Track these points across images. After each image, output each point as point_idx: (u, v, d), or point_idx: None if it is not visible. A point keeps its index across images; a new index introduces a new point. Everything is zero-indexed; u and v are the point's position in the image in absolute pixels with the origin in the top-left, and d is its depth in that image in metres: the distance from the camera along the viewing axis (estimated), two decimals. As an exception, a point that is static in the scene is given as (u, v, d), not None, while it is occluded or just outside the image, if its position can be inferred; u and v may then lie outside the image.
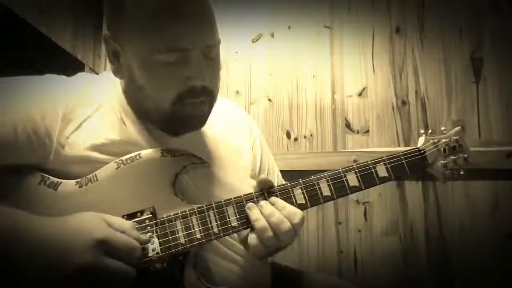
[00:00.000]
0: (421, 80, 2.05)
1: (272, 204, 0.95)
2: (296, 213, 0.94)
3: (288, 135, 2.13)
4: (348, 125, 2.09)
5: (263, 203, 0.95)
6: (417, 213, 1.97)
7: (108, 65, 2.22)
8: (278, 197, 0.97)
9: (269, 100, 2.16)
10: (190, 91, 0.94)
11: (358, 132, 2.07)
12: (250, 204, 0.95)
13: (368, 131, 2.07)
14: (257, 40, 2.20)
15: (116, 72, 0.99)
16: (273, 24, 2.20)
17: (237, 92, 2.16)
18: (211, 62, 0.97)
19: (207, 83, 0.95)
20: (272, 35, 2.20)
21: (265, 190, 0.98)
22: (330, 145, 2.09)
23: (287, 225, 0.92)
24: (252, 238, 0.94)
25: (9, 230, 0.79)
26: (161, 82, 0.93)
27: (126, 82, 0.99)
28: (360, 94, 2.10)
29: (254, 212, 0.94)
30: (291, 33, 2.18)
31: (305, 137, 2.12)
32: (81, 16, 2.11)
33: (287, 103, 2.15)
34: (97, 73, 2.13)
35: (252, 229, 0.94)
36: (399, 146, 2.03)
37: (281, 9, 2.20)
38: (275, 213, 0.93)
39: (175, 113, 0.95)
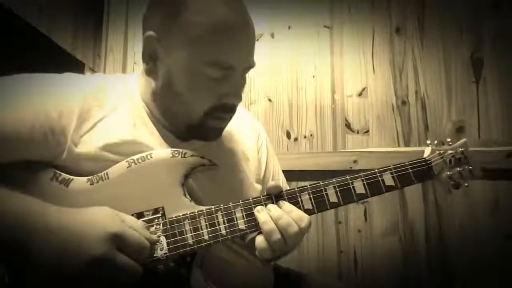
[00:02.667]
0: (421, 80, 2.05)
1: (280, 208, 0.95)
2: (304, 217, 0.94)
3: (288, 135, 2.13)
4: (348, 125, 2.09)
5: (271, 206, 0.95)
6: (417, 213, 1.97)
7: (109, 65, 2.25)
8: (285, 201, 0.97)
9: (269, 100, 2.16)
10: (222, 107, 0.98)
11: (358, 132, 2.08)
12: (258, 207, 0.96)
13: (368, 131, 2.07)
14: (257, 40, 2.19)
15: (150, 73, 1.00)
16: (273, 24, 2.20)
17: (237, 92, 2.15)
18: (244, 81, 1.02)
19: (239, 102, 1.01)
20: (272, 35, 2.19)
21: (273, 195, 0.98)
22: (330, 145, 2.09)
23: (295, 228, 0.92)
24: (260, 241, 0.94)
25: (23, 216, 0.80)
26: (200, 93, 0.97)
27: (160, 85, 1.00)
28: (360, 94, 2.10)
29: (263, 215, 0.94)
30: (291, 33, 2.18)
31: (305, 137, 2.12)
32: (81, 16, 2.11)
33: (287, 103, 2.15)
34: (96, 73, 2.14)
35: (260, 232, 0.94)
36: (399, 146, 2.03)
37: (281, 9, 2.19)
38: (283, 216, 0.93)
39: (203, 123, 0.99)
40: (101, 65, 2.25)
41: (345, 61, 2.13)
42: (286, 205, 0.96)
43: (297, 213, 0.95)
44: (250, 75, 2.13)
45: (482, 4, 2.01)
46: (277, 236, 0.92)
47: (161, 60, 0.97)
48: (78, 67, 2.05)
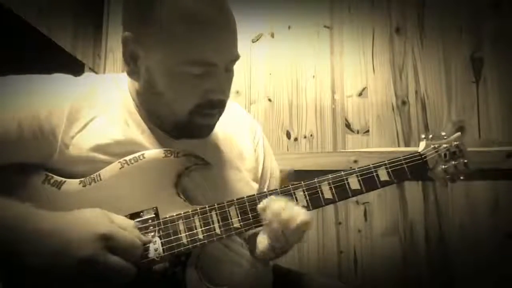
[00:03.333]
0: (421, 80, 2.05)
1: (281, 204, 0.95)
2: (302, 213, 0.94)
3: (288, 135, 2.13)
4: (348, 125, 2.09)
5: (271, 202, 0.95)
6: (417, 213, 1.97)
7: (109, 65, 2.25)
8: (285, 197, 0.97)
9: (269, 100, 2.16)
10: (208, 103, 0.96)
11: (358, 132, 2.07)
12: (261, 205, 0.95)
13: (368, 131, 2.07)
14: (257, 40, 2.20)
15: (132, 74, 0.99)
16: (273, 24, 2.20)
17: (237, 92, 2.15)
18: (229, 74, 1.00)
19: (225, 97, 0.99)
20: (272, 35, 2.19)
21: (268, 192, 0.99)
22: (330, 145, 2.09)
23: (294, 223, 0.92)
24: (262, 239, 0.95)
25: (12, 221, 0.80)
26: (182, 91, 0.95)
27: (142, 85, 0.99)
28: (360, 94, 2.10)
29: (267, 213, 0.94)
30: (291, 33, 2.18)
31: (305, 137, 2.12)
32: (81, 16, 2.11)
33: (287, 103, 2.15)
34: (96, 73, 2.14)
35: (259, 231, 0.96)
36: (399, 146, 2.03)
37: (281, 9, 2.19)
38: (282, 211, 0.93)
39: (190, 121, 0.98)
40: (101, 65, 2.25)
41: (345, 61, 2.13)
42: (286, 201, 0.96)
43: (296, 209, 0.95)
44: (250, 75, 2.17)
45: (482, 4, 2.01)
46: (278, 233, 0.92)
47: (141, 61, 0.95)
48: (78, 67, 2.05)
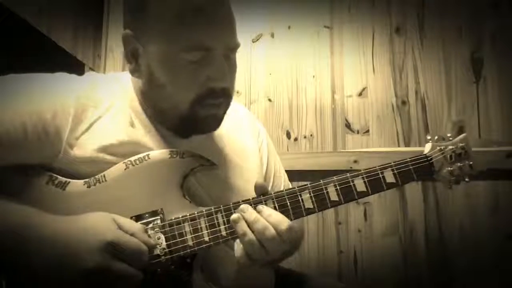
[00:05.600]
0: (421, 80, 2.05)
1: (258, 212, 0.91)
2: (283, 221, 0.90)
3: (288, 135, 2.13)
4: (348, 125, 2.09)
5: (245, 207, 0.91)
6: (417, 213, 1.97)
7: (109, 65, 2.25)
8: (286, 201, 0.95)
9: (269, 100, 2.16)
10: (210, 92, 0.94)
11: (358, 132, 2.07)
12: (235, 216, 0.90)
13: (368, 131, 2.07)
14: (257, 40, 2.19)
15: (134, 72, 0.99)
16: (273, 24, 2.19)
17: (237, 92, 2.15)
18: (231, 64, 0.98)
19: (227, 84, 0.96)
20: (272, 35, 2.19)
21: (274, 194, 0.96)
22: (330, 145, 2.09)
23: (271, 232, 0.87)
24: (238, 250, 0.91)
25: (18, 226, 0.80)
26: (183, 81, 0.93)
27: (145, 82, 0.98)
28: (360, 94, 2.10)
29: (241, 226, 0.89)
30: (291, 33, 2.18)
31: (305, 137, 2.12)
32: (81, 16, 2.10)
33: (287, 103, 2.15)
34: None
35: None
36: (399, 146, 2.03)
37: (281, 9, 2.19)
38: (259, 219, 0.89)
39: (193, 113, 0.96)
40: (101, 65, 2.25)
41: (345, 61, 2.13)
42: (264, 209, 0.91)
43: (275, 217, 0.90)
44: (250, 75, 2.17)
45: (482, 4, 2.01)
46: (255, 246, 0.88)
47: (141, 57, 0.95)
48: (78, 67, 2.05)
